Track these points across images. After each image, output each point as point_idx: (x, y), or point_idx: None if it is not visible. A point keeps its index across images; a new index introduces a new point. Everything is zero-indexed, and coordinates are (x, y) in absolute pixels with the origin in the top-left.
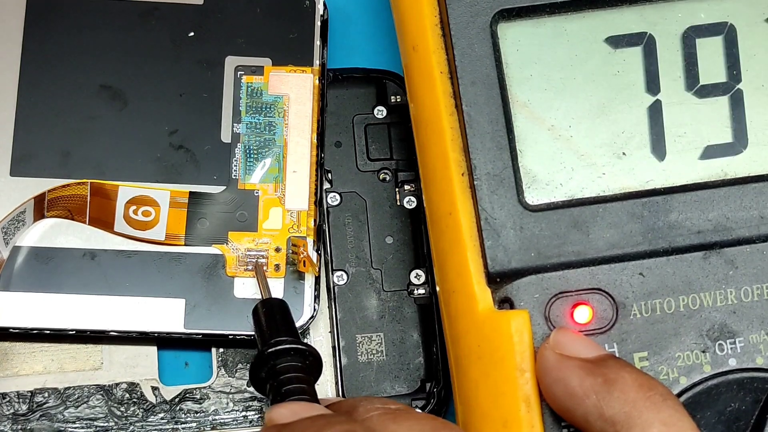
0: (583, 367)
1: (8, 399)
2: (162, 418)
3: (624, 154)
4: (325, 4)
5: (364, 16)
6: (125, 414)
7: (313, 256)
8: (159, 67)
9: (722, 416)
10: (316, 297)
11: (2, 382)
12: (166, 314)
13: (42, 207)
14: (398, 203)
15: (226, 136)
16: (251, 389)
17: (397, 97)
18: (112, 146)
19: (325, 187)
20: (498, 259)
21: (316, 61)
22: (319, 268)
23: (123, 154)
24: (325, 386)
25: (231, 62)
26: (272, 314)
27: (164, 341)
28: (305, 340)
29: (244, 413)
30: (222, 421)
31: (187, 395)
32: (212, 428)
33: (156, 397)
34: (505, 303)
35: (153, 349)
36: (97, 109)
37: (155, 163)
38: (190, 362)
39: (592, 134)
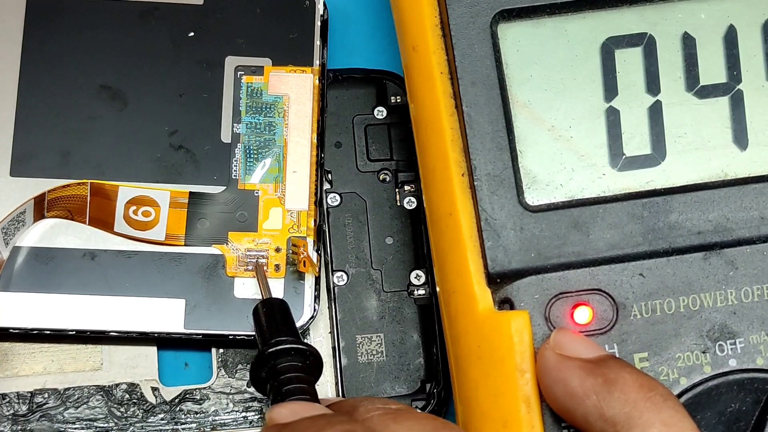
0: (583, 367)
1: (8, 399)
2: (162, 419)
3: (624, 154)
4: (325, 4)
5: (364, 16)
6: (125, 415)
7: (313, 256)
8: (159, 67)
9: (722, 417)
10: (316, 297)
11: (2, 383)
12: (166, 314)
13: (42, 207)
14: (398, 204)
15: (226, 136)
16: (251, 390)
17: (397, 97)
18: (112, 146)
19: (325, 188)
20: (498, 259)
21: (316, 61)
22: (319, 269)
23: (123, 154)
24: (325, 387)
25: (231, 62)
26: (272, 314)
27: (164, 341)
28: (305, 341)
29: (244, 414)
30: (222, 421)
31: (187, 396)
32: (212, 429)
33: (156, 397)
34: (505, 303)
35: (153, 350)
36: (97, 109)
37: (155, 163)
38: (190, 363)
39: (592, 135)
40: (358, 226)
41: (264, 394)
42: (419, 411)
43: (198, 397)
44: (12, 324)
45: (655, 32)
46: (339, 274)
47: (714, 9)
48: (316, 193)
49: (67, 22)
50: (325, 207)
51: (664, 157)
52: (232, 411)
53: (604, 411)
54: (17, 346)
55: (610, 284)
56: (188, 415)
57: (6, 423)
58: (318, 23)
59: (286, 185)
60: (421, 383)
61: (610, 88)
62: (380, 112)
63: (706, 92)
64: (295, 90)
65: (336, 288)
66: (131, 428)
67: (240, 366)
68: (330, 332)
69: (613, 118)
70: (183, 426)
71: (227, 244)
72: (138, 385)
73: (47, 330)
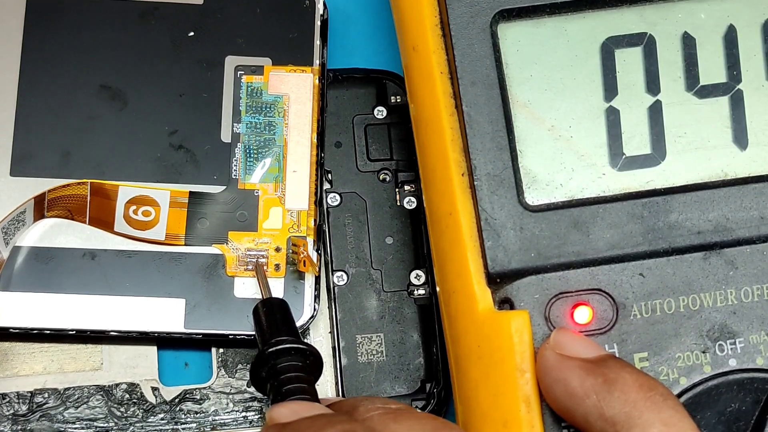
0: (583, 367)
1: (8, 399)
2: (162, 419)
3: (624, 154)
4: (324, 4)
5: (364, 16)
6: (125, 414)
7: (313, 255)
8: (159, 67)
9: (722, 417)
10: (316, 297)
11: (2, 383)
12: (166, 314)
13: (42, 207)
14: (398, 204)
15: (226, 136)
16: (251, 389)
17: (397, 97)
18: (112, 146)
19: (325, 188)
20: (498, 259)
21: (316, 61)
22: (319, 269)
23: (123, 154)
24: (325, 387)
25: (231, 62)
26: (273, 314)
27: (164, 341)
28: (305, 341)
29: (244, 414)
30: (222, 421)
31: (187, 396)
32: (212, 429)
33: (156, 397)
34: (505, 303)
35: (153, 350)
36: (97, 109)
37: (155, 163)
38: (190, 363)
39: (592, 134)
40: (358, 226)
41: (264, 393)
42: (419, 411)
43: (198, 397)
44: (12, 324)
45: (655, 32)
46: (339, 273)
47: (714, 9)
48: (316, 193)
49: (67, 21)
50: (325, 207)
51: (664, 157)
52: (232, 411)
53: (604, 411)
54: (17, 346)
55: (610, 284)
56: (188, 415)
57: (6, 423)
58: (318, 23)
59: (286, 185)
60: (421, 383)
61: (610, 88)
62: (380, 112)
63: (706, 92)
64: (295, 90)
65: (336, 288)
66: (131, 428)
67: (240, 366)
68: (330, 332)
69: (613, 118)
70: (183, 426)
71: (227, 243)
72: (138, 385)
73: (47, 330)
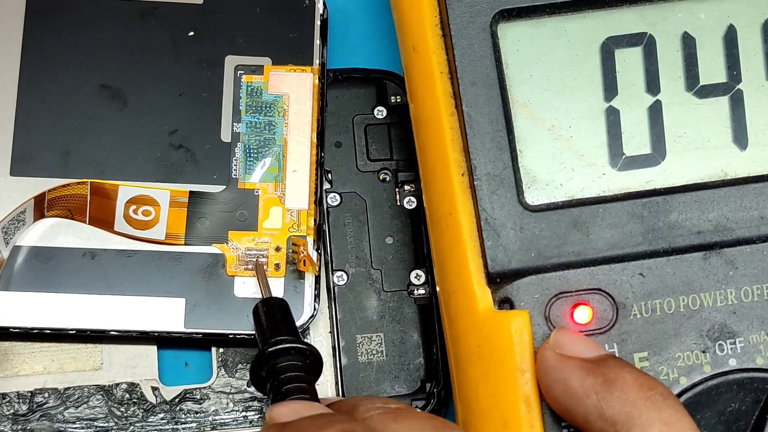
0: (583, 367)
1: (8, 399)
2: (162, 419)
3: (624, 154)
4: (324, 4)
5: (364, 16)
6: (125, 414)
7: (313, 255)
8: (159, 67)
9: (722, 416)
10: (316, 296)
11: (2, 383)
12: (167, 314)
13: (42, 207)
14: (398, 203)
15: (226, 136)
16: (251, 389)
17: (397, 97)
18: (112, 146)
19: (325, 188)
20: (498, 259)
21: (316, 61)
22: (319, 268)
23: (123, 154)
24: (325, 386)
25: (231, 62)
26: (273, 313)
27: (164, 341)
28: (305, 340)
29: (244, 413)
30: (222, 421)
31: (187, 395)
32: (212, 428)
33: (156, 397)
34: (505, 303)
35: (153, 350)
36: (97, 108)
37: (155, 163)
38: (190, 362)
39: (592, 134)
40: (358, 225)
41: (264, 393)
42: (419, 411)
43: (198, 397)
44: (12, 323)
45: (655, 32)
46: (339, 273)
47: (714, 9)
48: (316, 192)
49: (67, 21)
50: (325, 206)
51: (664, 157)
52: (232, 411)
53: (604, 410)
54: (17, 346)
55: (610, 284)
56: (188, 415)
57: (6, 423)
58: (318, 22)
59: (286, 184)
60: (421, 383)
61: (610, 88)
62: (380, 112)
63: (706, 92)
64: (294, 89)
65: (336, 288)
66: (131, 428)
67: (240, 365)
68: (330, 332)
69: (613, 118)
70: (183, 426)
71: (227, 243)
72: (138, 384)
73: (47, 329)
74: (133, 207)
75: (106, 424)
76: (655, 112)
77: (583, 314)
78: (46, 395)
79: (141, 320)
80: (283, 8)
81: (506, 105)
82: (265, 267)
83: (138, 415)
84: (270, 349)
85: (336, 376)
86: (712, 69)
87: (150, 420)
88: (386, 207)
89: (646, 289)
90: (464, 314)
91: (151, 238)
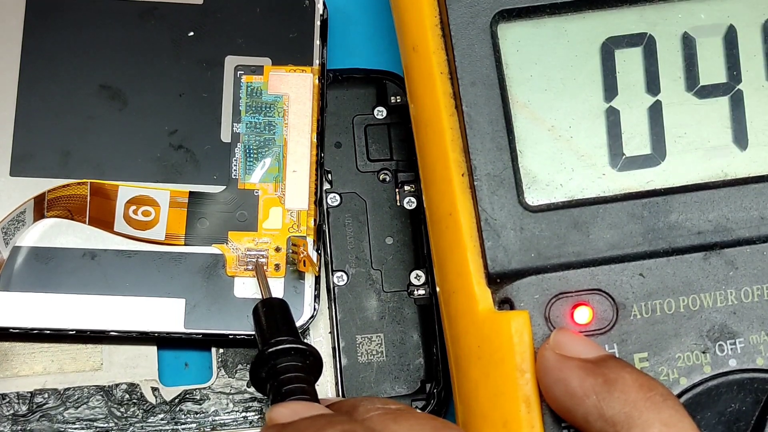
0: (583, 367)
1: (8, 400)
2: (162, 419)
3: (624, 154)
4: (324, 4)
5: (364, 16)
6: (125, 415)
7: (313, 255)
8: (159, 67)
9: (722, 417)
10: (316, 297)
11: (2, 383)
12: (166, 314)
13: (42, 207)
14: (398, 204)
15: (226, 136)
16: (251, 390)
17: (397, 97)
18: (112, 146)
19: (325, 188)
20: (498, 259)
21: (316, 61)
22: (319, 269)
23: (123, 154)
24: (325, 387)
25: (231, 62)
26: (272, 314)
27: (164, 341)
28: (305, 341)
29: (244, 414)
30: (222, 421)
31: (187, 396)
32: (212, 429)
33: (156, 397)
34: (505, 303)
35: (153, 350)
36: (97, 109)
37: (155, 163)
38: (190, 363)
39: (592, 135)
40: (358, 226)
41: (264, 393)
42: (419, 411)
43: (198, 397)
44: (12, 324)
45: (655, 32)
46: (339, 274)
47: (714, 9)
48: (316, 193)
49: (67, 21)
50: (325, 207)
51: (664, 157)
52: (232, 411)
53: (604, 411)
54: (17, 346)
55: (610, 284)
56: (188, 415)
57: (6, 423)
58: (318, 23)
59: (285, 185)
60: (421, 383)
61: (610, 88)
62: (380, 112)
63: (706, 92)
64: (294, 89)
65: (336, 288)
66: (131, 428)
67: (240, 366)
68: (330, 332)
69: (613, 118)
70: (183, 426)
71: (227, 243)
72: (138, 385)
73: (47, 330)
74: (133, 207)
75: (106, 425)
76: (655, 113)
77: (583, 315)
78: (46, 396)
79: (141, 321)
80: (283, 8)
81: (506, 105)
82: (265, 267)
83: (138, 415)
84: (270, 350)
85: (336, 376)
86: (712, 69)
87: (150, 420)
88: (386, 207)
89: (646, 290)
90: (464, 314)
91: (150, 238)
